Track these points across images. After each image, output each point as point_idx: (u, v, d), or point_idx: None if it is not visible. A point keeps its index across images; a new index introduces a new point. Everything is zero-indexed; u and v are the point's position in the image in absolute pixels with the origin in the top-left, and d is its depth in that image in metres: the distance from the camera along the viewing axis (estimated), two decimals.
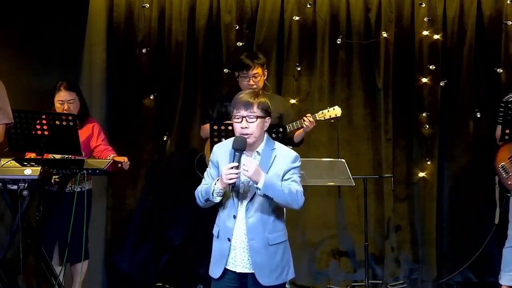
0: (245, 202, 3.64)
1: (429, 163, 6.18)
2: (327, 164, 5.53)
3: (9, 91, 4.63)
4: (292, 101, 6.13)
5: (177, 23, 6.23)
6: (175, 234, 6.26)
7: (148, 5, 6.20)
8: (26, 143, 4.94)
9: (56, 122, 4.87)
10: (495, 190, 5.43)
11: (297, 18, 6.22)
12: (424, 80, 6.17)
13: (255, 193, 3.60)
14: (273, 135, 4.85)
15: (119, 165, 5.05)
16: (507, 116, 5.06)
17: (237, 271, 3.67)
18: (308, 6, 6.20)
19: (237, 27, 6.22)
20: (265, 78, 5.50)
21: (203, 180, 3.76)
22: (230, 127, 4.98)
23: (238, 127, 3.63)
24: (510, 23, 6.09)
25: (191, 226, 6.20)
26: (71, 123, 4.88)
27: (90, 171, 4.95)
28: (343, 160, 5.47)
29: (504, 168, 5.29)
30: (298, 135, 5.42)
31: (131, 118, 6.25)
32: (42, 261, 4.88)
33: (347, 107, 6.16)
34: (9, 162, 4.82)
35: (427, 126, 6.18)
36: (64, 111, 5.19)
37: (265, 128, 3.69)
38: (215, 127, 5.07)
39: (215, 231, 3.74)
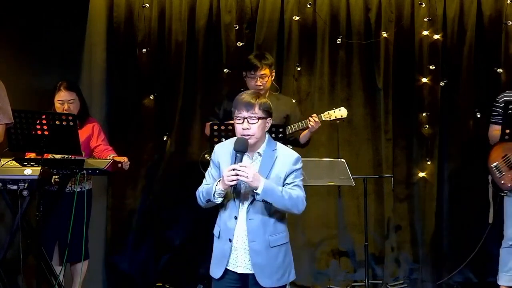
0: (246, 203, 3.64)
1: (429, 163, 6.19)
2: (327, 164, 5.53)
3: (9, 91, 4.63)
4: (292, 101, 6.13)
5: (177, 23, 6.23)
6: (175, 234, 6.26)
7: (148, 5, 6.20)
8: (26, 143, 4.93)
9: (56, 122, 4.87)
10: (489, 189, 5.45)
11: (297, 18, 6.22)
12: (424, 80, 6.17)
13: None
14: (273, 135, 4.85)
15: (119, 165, 5.05)
16: (507, 116, 5.06)
17: (238, 272, 3.66)
18: (308, 6, 6.20)
19: (237, 27, 6.22)
20: (272, 78, 5.50)
21: (204, 180, 3.76)
22: (230, 127, 4.98)
23: (239, 128, 3.62)
24: (510, 23, 6.09)
25: (191, 226, 6.20)
26: (71, 123, 4.88)
27: (90, 171, 4.95)
28: (343, 160, 5.47)
29: (497, 167, 5.31)
30: (304, 135, 5.42)
31: (131, 118, 6.25)
32: (42, 261, 4.88)
33: (347, 107, 6.11)
34: (9, 162, 4.82)
35: (427, 126, 6.18)
36: (64, 111, 5.19)
37: (267, 129, 3.69)
38: (215, 127, 5.07)
39: (216, 231, 3.74)
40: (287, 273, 3.70)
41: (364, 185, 5.74)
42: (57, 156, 5.05)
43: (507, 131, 5.11)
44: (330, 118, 5.39)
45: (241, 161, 3.56)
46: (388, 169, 6.15)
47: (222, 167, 3.66)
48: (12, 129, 4.80)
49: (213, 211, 3.81)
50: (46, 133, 4.87)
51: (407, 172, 6.25)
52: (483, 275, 6.06)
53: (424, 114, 6.18)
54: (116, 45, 6.24)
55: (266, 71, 5.39)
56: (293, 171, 3.65)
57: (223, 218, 3.69)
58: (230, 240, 3.64)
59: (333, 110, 5.42)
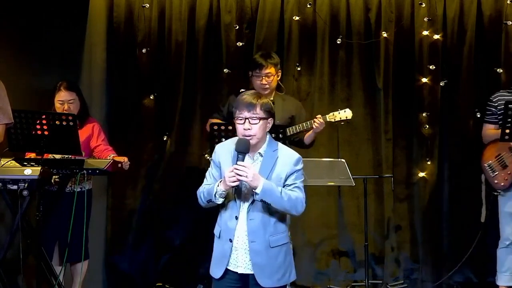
0: (247, 204, 3.63)
1: (429, 163, 6.19)
2: (327, 164, 5.53)
3: (9, 91, 4.63)
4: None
5: (177, 23, 6.23)
6: (175, 234, 6.26)
7: (148, 5, 6.20)
8: (26, 143, 4.94)
9: (56, 122, 4.87)
10: (482, 188, 5.46)
11: (297, 18, 6.22)
12: (424, 80, 6.17)
13: None
14: (273, 135, 4.85)
15: (119, 165, 5.05)
16: (507, 116, 5.07)
17: (238, 272, 3.66)
18: (308, 6, 6.20)
19: (237, 27, 6.22)
20: (278, 78, 5.50)
21: (204, 180, 3.75)
22: (230, 127, 4.98)
23: (240, 129, 3.61)
24: (510, 23, 6.09)
25: (191, 226, 6.20)
26: (71, 123, 4.88)
27: (90, 171, 4.96)
28: (343, 160, 5.47)
29: (490, 166, 5.33)
30: (308, 136, 5.42)
31: (131, 118, 6.25)
32: (42, 261, 4.88)
33: (347, 107, 6.14)
34: (9, 162, 4.82)
35: (427, 126, 6.18)
36: (64, 111, 5.19)
37: (268, 129, 3.68)
38: (215, 127, 5.07)
39: (216, 231, 3.73)
40: (287, 273, 3.70)
41: (364, 185, 5.74)
42: (57, 156, 5.05)
43: (507, 131, 5.11)
44: (334, 119, 5.39)
45: (242, 161, 3.56)
46: (388, 169, 6.15)
47: (223, 167, 3.66)
48: (12, 129, 4.80)
49: (213, 211, 3.81)
50: (46, 133, 4.87)
51: (407, 172, 6.25)
52: (483, 275, 6.06)
53: (424, 114, 6.18)
54: (116, 45, 6.24)
55: (271, 69, 5.39)
56: (294, 172, 3.64)
57: (224, 218, 3.68)
58: (231, 240, 3.64)
59: (338, 112, 5.41)
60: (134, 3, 6.22)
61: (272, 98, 5.45)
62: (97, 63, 6.18)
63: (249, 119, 3.59)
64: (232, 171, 3.50)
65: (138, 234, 6.25)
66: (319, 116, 5.34)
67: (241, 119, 3.61)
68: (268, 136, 3.70)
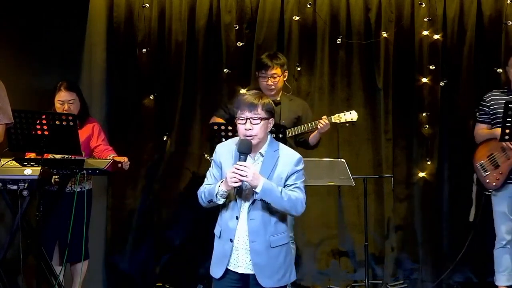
0: (247, 203, 3.63)
1: (429, 163, 6.19)
2: (327, 164, 5.53)
3: (9, 91, 4.63)
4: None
5: (177, 23, 6.23)
6: (175, 234, 6.26)
7: (148, 5, 6.20)
8: (26, 143, 4.93)
9: (56, 122, 4.87)
10: (473, 188, 5.47)
11: (297, 18, 6.22)
12: (424, 80, 6.17)
13: None
14: (273, 136, 4.85)
15: (119, 165, 5.05)
16: (507, 116, 5.07)
17: (239, 272, 3.66)
18: (308, 6, 6.20)
19: (237, 27, 6.22)
20: (285, 79, 5.51)
21: (205, 180, 3.75)
22: (230, 127, 4.98)
23: (242, 129, 3.61)
24: (510, 23, 6.09)
25: (191, 226, 6.20)
26: (71, 123, 4.88)
27: (90, 171, 4.96)
28: (343, 160, 5.47)
29: (482, 166, 5.34)
30: (313, 136, 5.43)
31: (131, 118, 6.25)
32: (42, 261, 4.88)
33: (347, 107, 6.14)
34: (9, 162, 4.81)
35: (427, 126, 6.18)
36: (64, 111, 5.19)
37: (269, 130, 3.68)
38: (215, 127, 5.07)
39: (216, 231, 3.73)
40: (288, 274, 3.70)
41: (364, 185, 5.74)
42: (57, 156, 5.05)
43: (507, 131, 5.12)
44: (340, 121, 5.40)
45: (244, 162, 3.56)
46: (388, 169, 6.15)
47: (224, 167, 3.66)
48: (12, 129, 4.80)
49: (213, 211, 3.81)
50: (46, 133, 4.87)
51: (407, 172, 6.24)
52: (483, 275, 6.06)
53: (424, 114, 6.18)
54: (116, 45, 6.24)
55: (277, 70, 5.40)
56: (294, 172, 3.64)
57: (225, 218, 3.68)
58: (231, 240, 3.64)
59: (343, 113, 5.43)
60: (134, 3, 6.22)
61: (278, 99, 5.47)
62: (97, 63, 6.18)
63: (251, 119, 3.58)
64: (234, 171, 3.50)
65: (138, 234, 6.25)
66: (324, 117, 5.36)
67: (242, 119, 3.60)
68: (269, 136, 3.70)
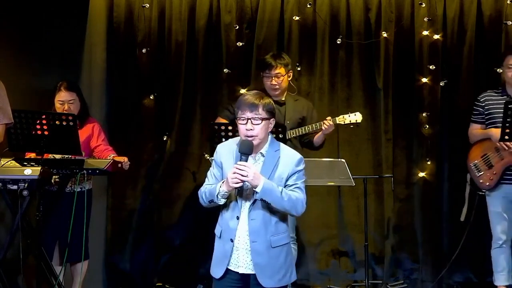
0: (248, 203, 3.63)
1: (429, 163, 6.18)
2: (327, 164, 5.53)
3: (9, 91, 4.63)
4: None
5: (177, 23, 6.23)
6: (175, 234, 6.26)
7: (148, 5, 6.20)
8: (26, 143, 4.93)
9: (56, 122, 4.87)
10: (466, 187, 5.48)
11: (297, 18, 6.22)
12: (424, 80, 6.17)
13: None
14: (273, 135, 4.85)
15: (119, 165, 5.05)
16: (507, 116, 5.08)
17: (239, 272, 3.66)
18: (308, 6, 6.20)
19: (237, 27, 6.22)
20: (290, 79, 5.51)
21: (206, 180, 3.75)
22: (230, 127, 4.98)
23: (243, 129, 3.61)
24: (510, 23, 6.09)
25: (191, 226, 6.21)
26: (71, 123, 4.88)
27: (90, 171, 4.96)
28: (343, 160, 5.47)
29: (476, 166, 5.36)
30: (318, 137, 5.44)
31: (131, 118, 6.25)
32: (42, 261, 4.88)
33: (347, 107, 6.16)
34: (9, 162, 4.81)
35: (427, 126, 6.18)
36: (64, 111, 5.19)
37: (270, 130, 3.67)
38: (215, 128, 5.07)
39: (217, 231, 3.73)
40: (288, 274, 3.69)
41: (364, 185, 5.74)
42: (57, 156, 5.05)
43: (507, 130, 5.13)
44: (344, 122, 5.41)
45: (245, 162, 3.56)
46: (388, 169, 6.15)
47: (225, 167, 3.66)
48: (12, 129, 4.80)
49: (213, 211, 3.81)
50: (46, 133, 4.87)
51: (407, 172, 6.24)
52: (483, 275, 6.06)
53: (424, 114, 6.18)
54: (116, 45, 6.24)
55: (281, 70, 5.41)
56: (295, 172, 3.64)
57: (225, 218, 3.68)
58: (232, 240, 3.63)
59: (348, 115, 5.44)
60: (134, 3, 6.22)
61: (283, 99, 5.47)
62: (97, 63, 6.18)
63: (252, 120, 3.58)
64: (235, 172, 3.50)
65: (138, 234, 6.25)
66: (328, 118, 5.36)
67: (243, 120, 3.60)
68: (270, 136, 3.70)
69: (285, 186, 3.63)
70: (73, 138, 4.90)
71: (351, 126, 5.51)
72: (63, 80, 5.39)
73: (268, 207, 3.60)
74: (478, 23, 6.13)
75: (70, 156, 5.03)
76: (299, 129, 5.39)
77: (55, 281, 4.95)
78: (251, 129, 3.58)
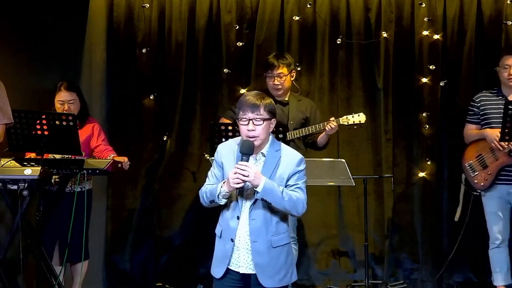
0: (249, 203, 3.62)
1: (429, 163, 6.19)
2: (327, 164, 5.53)
3: (9, 91, 4.62)
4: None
5: (177, 23, 6.23)
6: (175, 234, 6.26)
7: (148, 5, 6.20)
8: (26, 143, 4.93)
9: (56, 122, 4.87)
10: (461, 187, 5.49)
11: (297, 18, 6.22)
12: (424, 80, 6.17)
13: None
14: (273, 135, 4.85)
15: (119, 165, 5.05)
16: (507, 116, 5.08)
17: (240, 272, 3.66)
18: (308, 6, 6.20)
19: (237, 27, 6.22)
20: (292, 79, 5.51)
21: (207, 180, 3.74)
22: (230, 127, 4.98)
23: (244, 130, 3.61)
24: (510, 23, 6.09)
25: (191, 226, 6.21)
26: (71, 123, 4.88)
27: (90, 171, 4.96)
28: (343, 160, 5.47)
29: (471, 166, 5.37)
30: (321, 137, 5.44)
31: (131, 118, 6.25)
32: (42, 261, 4.88)
33: (347, 107, 6.17)
34: (9, 162, 4.81)
35: (427, 126, 6.18)
36: (64, 111, 5.19)
37: (271, 130, 3.67)
38: (215, 128, 5.07)
39: (217, 231, 3.73)
40: (289, 274, 3.69)
41: (364, 185, 5.74)
42: (57, 156, 5.05)
43: (507, 130, 5.13)
44: (347, 123, 5.42)
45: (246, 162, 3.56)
46: (388, 169, 6.15)
47: (226, 167, 3.66)
48: (12, 129, 4.80)
49: (213, 211, 3.81)
50: (46, 133, 4.87)
51: (407, 172, 6.24)
52: (483, 275, 6.05)
53: (424, 114, 6.18)
54: (116, 45, 6.24)
55: (283, 70, 5.41)
56: (296, 172, 3.64)
57: (226, 218, 3.68)
58: (232, 240, 3.63)
59: (351, 115, 5.44)
60: (134, 3, 6.22)
61: (287, 99, 5.47)
62: (97, 63, 6.18)
63: (253, 120, 3.58)
64: (236, 172, 3.50)
65: (138, 234, 6.25)
66: (332, 118, 5.37)
67: (244, 120, 3.60)
68: (271, 136, 3.70)
69: (286, 186, 3.63)
70: (73, 138, 4.90)
71: (355, 127, 5.51)
72: (63, 80, 5.40)
73: (269, 207, 3.60)
74: (478, 23, 6.13)
75: (70, 156, 5.03)
76: (302, 129, 5.39)
77: (55, 281, 4.95)
78: (253, 130, 3.58)
